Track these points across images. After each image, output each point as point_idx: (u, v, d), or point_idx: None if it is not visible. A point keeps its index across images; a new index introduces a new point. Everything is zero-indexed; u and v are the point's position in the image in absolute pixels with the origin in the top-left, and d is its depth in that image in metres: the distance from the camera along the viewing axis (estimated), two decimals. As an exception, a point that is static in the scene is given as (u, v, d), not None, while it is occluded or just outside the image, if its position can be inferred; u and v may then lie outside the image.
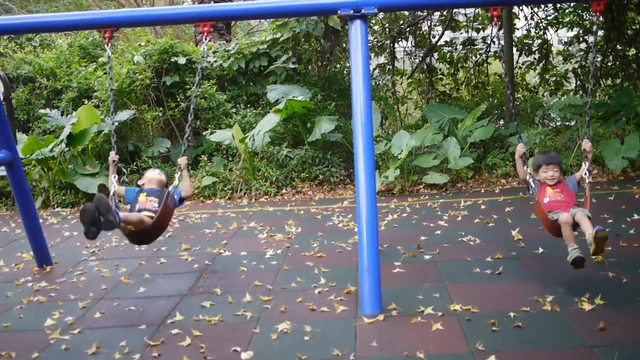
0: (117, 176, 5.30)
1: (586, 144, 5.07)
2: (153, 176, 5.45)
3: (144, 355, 4.02)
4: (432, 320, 4.27)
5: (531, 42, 14.49)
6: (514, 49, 13.32)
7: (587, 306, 4.37)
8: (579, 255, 4.57)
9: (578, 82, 14.12)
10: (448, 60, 14.71)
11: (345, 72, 12.19)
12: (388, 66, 14.36)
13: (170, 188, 5.18)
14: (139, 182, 5.48)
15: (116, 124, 10.24)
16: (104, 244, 7.18)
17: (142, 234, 4.99)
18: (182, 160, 5.31)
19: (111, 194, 5.15)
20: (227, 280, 5.52)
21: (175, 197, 5.19)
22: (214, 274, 5.79)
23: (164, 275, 5.84)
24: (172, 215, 5.41)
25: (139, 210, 5.07)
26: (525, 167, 5.10)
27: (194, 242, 6.93)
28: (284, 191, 9.75)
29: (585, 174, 5.00)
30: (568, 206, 4.87)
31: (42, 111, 11.05)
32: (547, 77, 14.43)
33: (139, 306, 4.96)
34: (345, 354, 3.86)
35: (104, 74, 11.42)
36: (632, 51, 13.49)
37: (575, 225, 4.70)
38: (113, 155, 5.32)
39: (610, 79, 13.85)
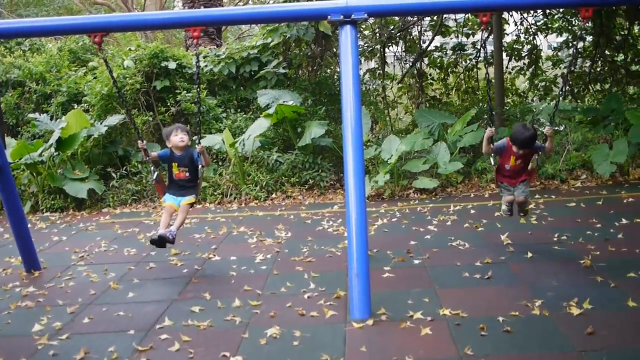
0: (151, 152, 6.05)
1: (548, 130, 5.66)
2: (177, 143, 5.85)
3: (133, 361, 4.01)
4: (421, 325, 4.28)
5: (521, 47, 14.55)
6: (504, 54, 13.37)
7: (575, 310, 4.38)
8: (507, 212, 6.02)
9: (567, 88, 14.17)
10: (438, 65, 14.73)
11: (335, 77, 12.21)
12: (378, 71, 14.38)
13: (199, 166, 5.89)
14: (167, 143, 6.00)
15: (102, 131, 10.21)
16: (92, 248, 7.16)
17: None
18: (200, 148, 5.75)
19: (154, 176, 6.00)
20: (217, 285, 5.51)
21: (199, 164, 5.89)
22: (203, 278, 5.77)
23: (153, 280, 5.82)
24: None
25: (177, 181, 5.92)
26: (490, 145, 5.75)
27: (183, 247, 6.91)
28: (274, 196, 9.75)
29: (539, 153, 5.77)
30: (519, 178, 5.79)
31: (31, 115, 11.01)
32: (536, 82, 14.49)
33: (128, 311, 4.94)
34: (334, 359, 3.86)
35: (94, 78, 11.40)
36: (621, 57, 13.57)
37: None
38: (141, 144, 5.87)
39: (599, 84, 13.92)
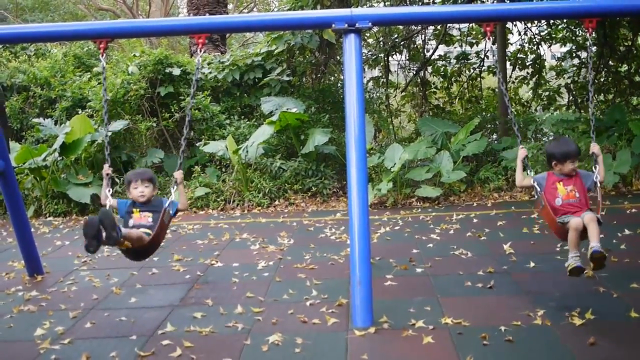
0: (111, 189, 4.98)
1: (594, 147, 4.80)
2: (136, 198, 5.02)
3: (135, 366, 4.02)
4: (423, 334, 4.27)
5: (524, 57, 14.58)
6: (507, 64, 13.40)
7: (577, 321, 4.37)
8: (579, 265, 4.49)
9: (570, 98, 14.20)
10: (442, 74, 14.78)
11: (339, 84, 12.26)
12: (382, 79, 14.42)
13: (165, 205, 4.89)
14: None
15: (109, 134, 10.20)
16: (95, 254, 7.16)
17: (139, 250, 4.82)
18: (179, 175, 5.04)
19: (107, 207, 4.88)
20: (219, 292, 5.51)
21: (171, 211, 4.94)
22: (205, 285, 5.78)
23: (155, 285, 5.82)
24: (168, 230, 5.23)
25: (133, 226, 4.88)
26: (525, 171, 4.92)
27: (186, 253, 6.92)
28: (276, 203, 9.76)
29: (596, 177, 4.71)
30: (581, 209, 4.60)
31: (35, 120, 11.05)
32: (540, 92, 14.50)
33: (130, 317, 4.95)
34: (336, 366, 3.86)
35: (98, 83, 11.44)
36: (624, 67, 13.59)
37: (584, 231, 4.49)
38: (107, 169, 5.02)
39: (602, 94, 13.94)
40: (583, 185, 4.71)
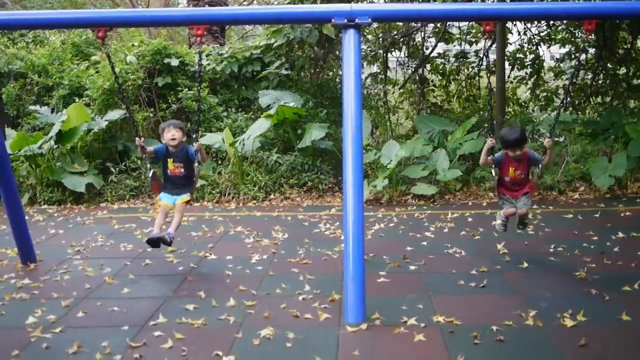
0: (148, 148, 5.85)
1: (547, 142, 5.66)
2: (168, 141, 5.87)
3: (125, 357, 4.00)
4: (414, 331, 4.28)
5: (523, 57, 14.58)
6: (506, 63, 13.39)
7: (569, 322, 4.38)
8: (503, 227, 6.04)
9: (568, 99, 14.19)
10: (440, 72, 14.78)
11: (337, 80, 12.23)
12: (380, 75, 14.40)
13: (195, 164, 5.90)
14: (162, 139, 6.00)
15: (103, 125, 10.21)
16: (89, 243, 7.16)
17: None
18: (197, 145, 5.75)
19: (149, 174, 5.99)
20: (212, 284, 5.51)
21: (195, 161, 5.88)
22: (198, 277, 5.78)
23: (148, 276, 5.82)
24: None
25: (171, 174, 5.93)
26: (489, 157, 5.72)
27: (180, 245, 6.90)
28: (272, 197, 9.76)
29: (539, 167, 5.76)
30: (521, 190, 5.81)
31: (32, 107, 11.02)
32: (537, 92, 14.50)
33: (123, 307, 4.94)
34: (327, 361, 3.87)
35: (96, 72, 11.41)
36: (623, 70, 13.60)
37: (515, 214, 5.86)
38: (139, 141, 5.75)
39: (600, 97, 13.95)
40: (527, 163, 5.77)
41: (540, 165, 5.75)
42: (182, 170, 5.91)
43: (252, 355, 3.99)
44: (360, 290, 4.53)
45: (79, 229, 7.99)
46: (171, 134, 5.84)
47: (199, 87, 5.86)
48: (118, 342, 4.22)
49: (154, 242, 5.65)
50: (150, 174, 5.97)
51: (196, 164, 5.90)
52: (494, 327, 4.32)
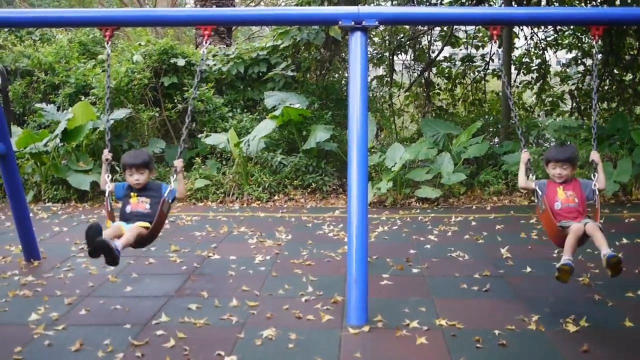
0: (110, 175, 5.05)
1: (594, 155, 4.82)
2: (132, 184, 5.03)
3: (127, 355, 4.01)
4: (417, 334, 4.27)
5: (530, 61, 14.56)
6: (512, 68, 13.38)
7: (571, 327, 4.37)
8: (569, 263, 4.40)
9: (574, 104, 14.19)
10: (446, 75, 14.77)
11: (343, 82, 12.25)
12: (386, 78, 14.40)
13: (164, 194, 4.87)
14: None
15: (111, 121, 10.23)
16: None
17: (139, 241, 4.87)
18: (179, 163, 5.00)
19: (106, 192, 5.01)
20: (215, 284, 5.52)
21: (169, 199, 4.91)
22: (201, 276, 5.78)
23: (151, 275, 5.83)
24: (167, 219, 5.21)
25: (131, 213, 4.94)
26: (528, 175, 4.92)
27: (183, 244, 6.92)
28: (276, 198, 9.77)
29: (595, 185, 4.75)
30: (580, 215, 4.69)
31: (38, 105, 11.04)
32: (543, 97, 14.48)
33: (125, 305, 4.95)
34: (329, 363, 3.87)
35: (103, 71, 11.42)
36: (629, 76, 13.57)
37: (583, 238, 4.55)
38: (106, 154, 5.07)
39: (606, 102, 13.93)
40: (582, 194, 4.76)
41: (595, 190, 4.74)
42: (147, 206, 4.95)
43: (254, 356, 3.99)
44: (363, 293, 4.54)
45: (82, 227, 7.90)
46: (134, 179, 4.98)
47: (195, 90, 5.52)
48: (120, 340, 4.23)
49: (92, 232, 4.47)
50: (107, 202, 5.01)
51: (165, 197, 4.85)
52: (496, 332, 4.31)
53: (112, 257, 4.44)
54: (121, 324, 4.53)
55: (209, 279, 5.69)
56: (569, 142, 10.64)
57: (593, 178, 4.79)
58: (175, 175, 5.01)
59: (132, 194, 5.00)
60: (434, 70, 14.63)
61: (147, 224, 4.84)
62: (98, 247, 4.41)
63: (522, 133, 5.28)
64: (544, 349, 4.07)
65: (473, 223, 8.00)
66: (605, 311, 4.76)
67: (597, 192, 4.74)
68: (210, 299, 5.09)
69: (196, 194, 9.81)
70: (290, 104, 10.05)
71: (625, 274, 5.62)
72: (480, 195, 9.72)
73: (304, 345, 4.14)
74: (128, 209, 4.97)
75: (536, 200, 4.87)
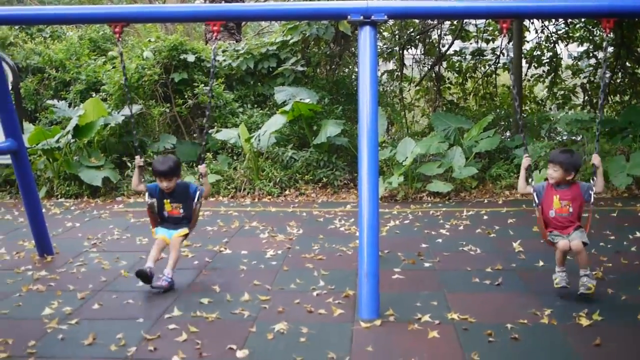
0: (143, 177, 5.55)
1: (595, 159, 4.91)
2: (162, 188, 5.46)
3: (140, 348, 4.03)
4: (428, 328, 4.27)
5: (541, 54, 14.49)
6: (523, 61, 13.31)
7: (584, 321, 4.36)
8: (564, 285, 4.90)
9: (586, 97, 14.12)
10: (457, 69, 14.72)
11: (353, 76, 12.21)
12: (396, 73, 14.37)
13: (195, 199, 5.48)
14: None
15: (119, 120, 10.29)
16: (105, 236, 7.21)
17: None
18: (203, 168, 5.50)
19: (147, 199, 5.50)
20: (226, 278, 5.54)
21: (199, 201, 5.52)
22: (213, 271, 5.81)
23: (163, 270, 5.82)
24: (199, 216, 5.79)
25: (168, 217, 5.54)
26: (528, 180, 5.10)
27: (195, 239, 6.93)
28: (287, 192, 9.77)
29: (592, 190, 4.88)
30: (571, 226, 4.92)
31: (49, 102, 11.10)
32: (555, 90, 14.41)
33: (137, 300, 4.98)
34: (340, 357, 3.86)
35: (113, 67, 11.45)
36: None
37: (570, 250, 4.89)
38: (138, 160, 5.47)
39: (618, 95, 13.84)
40: (579, 199, 4.93)
41: (592, 194, 4.89)
42: (181, 211, 5.54)
43: (265, 350, 4.00)
44: (374, 287, 4.54)
45: (95, 222, 8.05)
46: (164, 186, 5.42)
47: (210, 89, 5.77)
48: (133, 334, 4.26)
49: (145, 276, 5.15)
50: (149, 203, 5.50)
51: (196, 201, 5.46)
52: (509, 325, 4.31)
53: (169, 288, 5.23)
54: (134, 318, 4.56)
55: (220, 274, 5.72)
56: (581, 136, 10.59)
57: (592, 181, 4.90)
58: (202, 179, 5.53)
59: (165, 201, 5.49)
60: (445, 64, 14.59)
61: (185, 231, 5.51)
62: (146, 279, 5.16)
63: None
64: (556, 342, 4.06)
65: (485, 217, 7.97)
66: (618, 305, 4.73)
67: (592, 197, 4.89)
68: (222, 293, 5.11)
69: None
70: (301, 99, 10.05)
71: (639, 268, 5.64)
72: (492, 189, 9.69)
73: (316, 339, 4.15)
74: (165, 214, 5.55)
75: (534, 204, 5.04)
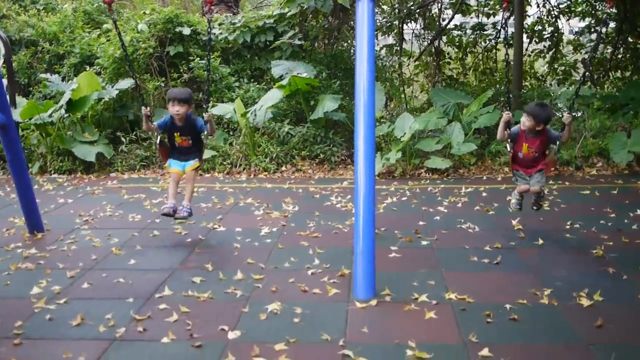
0: (150, 123, 5.88)
1: (566, 118, 5.55)
2: (172, 114, 5.79)
3: (129, 329, 3.93)
4: (425, 309, 4.17)
5: (542, 29, 14.28)
6: (524, 36, 13.11)
7: (585, 302, 4.26)
8: (518, 208, 6.02)
9: (587, 73, 13.93)
10: (457, 44, 14.54)
11: (352, 51, 12.03)
12: (396, 47, 14.19)
13: (202, 136, 6.01)
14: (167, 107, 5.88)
15: (113, 94, 10.09)
16: (97, 213, 7.09)
17: None
18: (207, 115, 5.80)
19: (157, 140, 5.94)
20: (220, 257, 5.43)
21: (207, 132, 5.96)
22: (206, 249, 5.69)
23: (156, 247, 5.74)
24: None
25: (179, 147, 5.93)
26: (505, 131, 5.69)
27: (189, 216, 6.82)
28: (283, 168, 9.64)
29: (558, 139, 5.62)
30: (534, 167, 5.73)
31: (43, 76, 10.89)
32: (556, 66, 14.23)
33: (128, 278, 4.87)
34: (335, 339, 3.76)
35: (108, 40, 11.24)
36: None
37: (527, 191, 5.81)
38: (146, 110, 5.79)
39: (619, 71, 13.66)
40: (544, 146, 5.68)
41: (558, 142, 5.63)
42: (190, 142, 5.95)
43: (258, 331, 3.90)
44: (370, 266, 4.42)
45: (88, 199, 7.92)
46: (175, 109, 5.75)
47: (209, 56, 5.80)
48: (122, 314, 4.16)
49: (170, 215, 5.79)
50: (158, 141, 5.92)
51: (205, 134, 5.96)
52: (508, 306, 4.20)
53: (185, 217, 5.89)
54: (124, 298, 4.45)
55: (213, 252, 5.60)
56: (581, 112, 10.45)
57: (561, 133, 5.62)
58: (208, 125, 5.87)
59: (175, 134, 5.87)
60: (444, 39, 14.40)
61: (196, 164, 5.96)
62: (170, 215, 5.78)
63: (509, 98, 6.47)
64: (556, 324, 3.96)
65: (484, 194, 7.85)
66: (619, 285, 4.63)
67: (556, 146, 5.64)
68: (215, 272, 5.00)
69: (203, 165, 9.68)
70: (298, 73, 9.88)
71: (640, 247, 5.54)
72: (490, 166, 9.56)
73: (310, 320, 4.04)
74: (176, 144, 5.93)
75: (508, 149, 5.87)
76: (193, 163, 5.92)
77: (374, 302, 4.29)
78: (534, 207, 6.01)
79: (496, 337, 3.77)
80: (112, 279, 4.86)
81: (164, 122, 5.88)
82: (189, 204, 5.84)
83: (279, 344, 3.70)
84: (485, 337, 3.76)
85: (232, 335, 3.82)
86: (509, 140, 5.76)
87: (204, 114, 5.83)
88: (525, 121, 5.60)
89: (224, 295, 4.50)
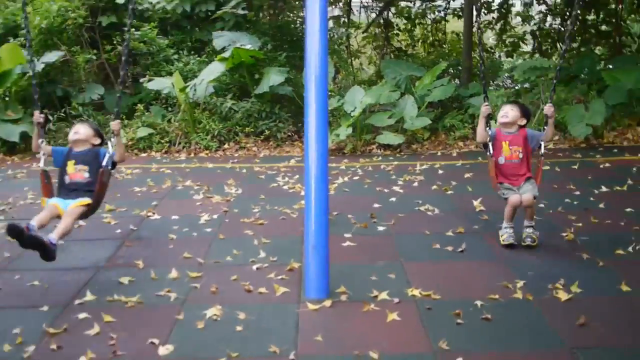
0: (43, 139, 4.68)
1: (548, 109, 4.80)
2: (70, 137, 4.68)
3: (40, 347, 3.29)
4: (387, 309, 3.65)
5: (491, 0, 13.96)
6: (473, 8, 12.76)
7: (562, 295, 3.82)
8: (512, 243, 4.72)
9: (536, 45, 13.69)
10: (405, 15, 14.15)
11: (298, 22, 11.50)
12: (343, 18, 13.73)
13: (103, 162, 4.52)
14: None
15: (39, 68, 9.25)
16: (17, 200, 6.38)
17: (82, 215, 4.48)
18: (116, 125, 4.55)
19: (41, 164, 4.62)
20: (153, 251, 4.82)
21: (109, 166, 4.57)
22: (138, 241, 5.08)
23: (80, 241, 5.05)
24: (107, 188, 4.69)
25: (70, 184, 4.54)
26: (487, 128, 4.86)
27: (119, 203, 6.16)
28: (226, 146, 9.08)
29: (542, 139, 4.87)
30: (521, 176, 4.83)
31: (-40, 48, 9.97)
32: (504, 37, 13.95)
33: (44, 281, 4.21)
34: (284, 351, 3.22)
35: (34, 10, 10.37)
36: (592, 16, 13.05)
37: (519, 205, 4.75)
38: (37, 116, 4.61)
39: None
40: (527, 146, 4.85)
41: (542, 143, 4.85)
42: (87, 175, 4.55)
43: (194, 343, 3.33)
44: (323, 261, 3.89)
45: (8, 184, 7.18)
46: (73, 130, 4.66)
47: (128, 31, 5.03)
48: (34, 327, 3.51)
49: (16, 232, 3.93)
50: (41, 166, 4.62)
51: (104, 164, 4.52)
52: (478, 303, 3.74)
53: (47, 253, 3.99)
54: (37, 306, 3.80)
55: (146, 245, 4.99)
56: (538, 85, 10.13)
57: (543, 131, 4.89)
58: (113, 139, 4.58)
59: (69, 162, 4.56)
60: (393, 10, 13.97)
61: (86, 201, 4.42)
62: (29, 244, 3.97)
63: (486, 83, 5.31)
64: (534, 324, 3.50)
65: (440, 171, 7.41)
66: (596, 273, 4.22)
67: (542, 146, 4.86)
68: (146, 269, 4.38)
69: (139, 143, 9.03)
70: (241, 45, 9.27)
71: (611, 228, 5.22)
72: (445, 141, 9.16)
73: (255, 327, 3.49)
74: (66, 179, 4.56)
75: (487, 153, 4.92)
76: (83, 199, 4.42)
77: (328, 303, 3.76)
78: (527, 241, 4.73)
79: (469, 343, 3.29)
80: (26, 282, 4.20)
81: (60, 150, 4.69)
82: (56, 238, 4.11)
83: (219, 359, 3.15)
84: (457, 343, 3.27)
85: (163, 350, 3.23)
86: (489, 141, 4.86)
87: (111, 123, 4.63)
88: (508, 111, 4.84)
89: (155, 298, 3.90)
